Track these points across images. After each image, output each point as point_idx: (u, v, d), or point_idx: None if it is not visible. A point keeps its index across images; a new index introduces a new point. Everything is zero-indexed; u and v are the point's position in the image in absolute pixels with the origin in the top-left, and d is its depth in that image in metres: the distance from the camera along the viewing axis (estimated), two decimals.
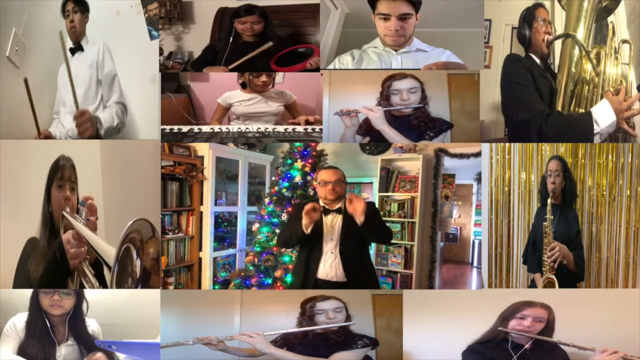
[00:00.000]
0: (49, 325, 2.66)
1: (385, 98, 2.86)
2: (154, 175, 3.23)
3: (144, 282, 2.04)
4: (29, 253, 2.41)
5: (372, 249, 4.79)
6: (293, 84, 3.65)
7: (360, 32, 3.19)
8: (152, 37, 3.30)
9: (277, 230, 3.94)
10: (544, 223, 2.82)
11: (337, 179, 2.85)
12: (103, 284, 2.21)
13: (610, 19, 3.02)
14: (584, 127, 2.84)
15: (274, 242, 3.93)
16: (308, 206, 2.73)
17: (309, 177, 4.02)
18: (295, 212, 3.09)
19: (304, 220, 2.74)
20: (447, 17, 3.23)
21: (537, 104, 2.90)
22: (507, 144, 3.20)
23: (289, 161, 4.13)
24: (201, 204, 4.47)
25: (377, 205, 4.68)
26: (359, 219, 2.66)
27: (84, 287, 2.25)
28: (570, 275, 2.88)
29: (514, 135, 3.06)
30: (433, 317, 3.00)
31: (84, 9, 3.21)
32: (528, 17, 3.04)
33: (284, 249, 3.85)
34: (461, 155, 4.45)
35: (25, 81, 2.91)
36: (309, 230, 2.75)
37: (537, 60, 3.04)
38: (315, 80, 3.59)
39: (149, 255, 2.05)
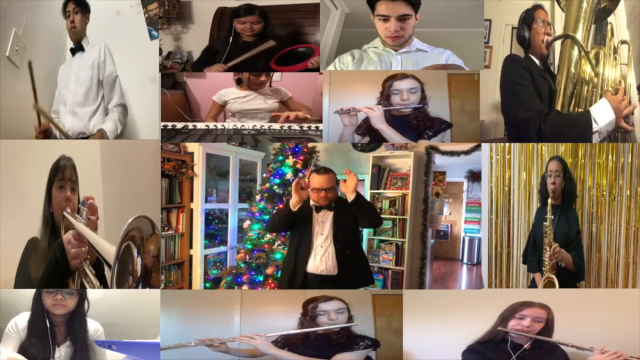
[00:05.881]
0: (50, 325, 2.65)
1: (385, 98, 2.86)
2: (154, 174, 3.23)
3: (145, 280, 2.02)
4: (29, 253, 2.41)
5: (364, 245, 4.81)
6: (290, 82, 3.65)
7: (360, 32, 3.19)
8: (152, 37, 3.30)
9: None
10: (545, 223, 2.84)
11: (329, 186, 2.90)
12: (104, 284, 2.20)
13: (609, 19, 3.03)
14: (583, 126, 2.85)
15: (265, 239, 3.94)
16: (296, 183, 2.87)
17: (300, 174, 4.00)
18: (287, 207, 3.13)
19: (293, 199, 2.88)
20: (447, 17, 3.24)
21: (536, 103, 2.91)
22: (507, 144, 3.20)
23: (280, 158, 4.11)
24: (191, 201, 4.45)
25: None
26: (350, 196, 2.81)
27: (85, 287, 2.24)
28: (570, 276, 2.89)
29: (514, 135, 3.06)
30: (433, 317, 3.01)
31: (84, 9, 3.23)
32: (527, 18, 3.04)
33: (274, 237, 3.92)
34: (452, 153, 4.44)
35: (30, 65, 2.92)
36: (296, 208, 2.89)
37: (537, 61, 3.05)
38: (312, 79, 3.59)
39: (150, 253, 2.02)
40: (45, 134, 3.06)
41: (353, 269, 2.93)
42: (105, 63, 3.25)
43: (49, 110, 3.31)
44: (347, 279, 2.89)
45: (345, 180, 2.85)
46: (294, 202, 2.89)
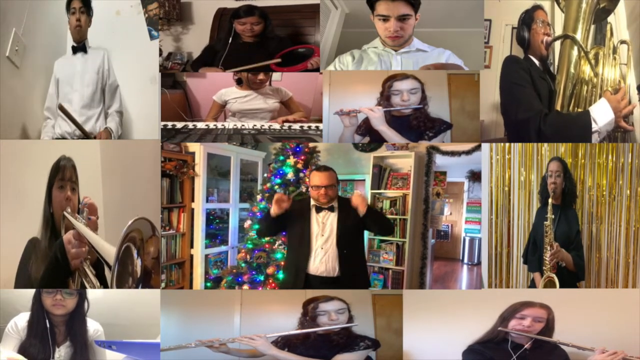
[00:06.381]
0: (49, 325, 2.65)
1: (385, 98, 2.85)
2: (154, 174, 3.23)
3: (145, 281, 2.04)
4: (30, 253, 2.41)
5: (365, 245, 4.79)
6: (290, 82, 3.65)
7: (360, 32, 3.20)
8: (152, 37, 3.30)
9: None
10: (545, 222, 2.84)
11: (329, 183, 2.89)
12: (104, 284, 2.21)
13: (609, 19, 3.03)
14: (582, 125, 2.85)
15: (266, 239, 3.93)
16: (277, 196, 2.87)
17: (301, 174, 4.00)
18: (267, 214, 3.12)
19: (272, 209, 2.87)
20: (447, 17, 3.24)
21: (535, 104, 2.91)
22: (507, 144, 3.20)
23: (282, 157, 4.10)
24: (192, 200, 4.46)
25: (369, 202, 4.73)
26: (361, 211, 2.79)
27: (85, 287, 2.24)
28: (570, 276, 2.89)
29: (513, 136, 3.06)
30: (433, 317, 3.01)
31: (89, 12, 3.25)
32: (527, 19, 3.05)
33: (267, 241, 3.94)
34: (452, 153, 4.43)
35: (61, 107, 3.07)
36: (273, 214, 2.88)
37: (536, 62, 3.05)
38: (312, 79, 3.60)
39: (150, 255, 2.04)
40: None
41: (353, 271, 2.91)
42: (110, 72, 3.31)
43: (41, 106, 3.33)
44: (348, 281, 2.88)
45: (356, 197, 2.86)
46: (273, 211, 2.88)
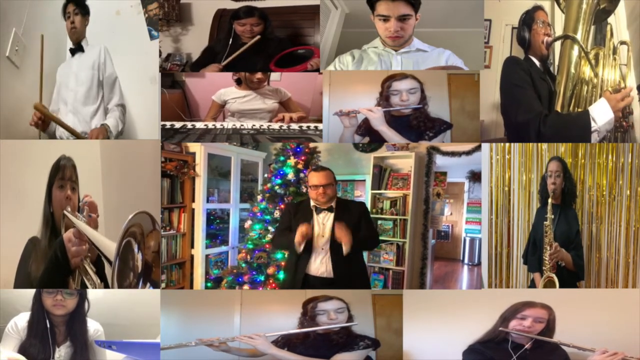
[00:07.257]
0: (50, 325, 2.65)
1: (385, 98, 2.85)
2: (154, 174, 3.22)
3: (146, 275, 2.05)
4: (29, 252, 2.41)
5: None
6: (290, 82, 3.65)
7: (360, 32, 3.20)
8: (152, 37, 3.30)
9: (270, 228, 3.93)
10: (545, 222, 2.84)
11: (327, 182, 2.89)
12: (105, 282, 2.21)
13: (609, 19, 3.04)
14: (582, 125, 2.85)
15: (267, 239, 3.93)
16: (301, 230, 2.80)
17: (301, 175, 3.99)
18: (288, 210, 3.11)
19: (297, 238, 2.80)
20: (447, 17, 3.24)
21: (535, 106, 2.91)
22: (507, 144, 3.20)
23: (282, 158, 4.09)
24: (193, 200, 4.45)
25: (369, 203, 4.73)
26: (345, 249, 2.75)
27: (86, 285, 2.24)
28: (570, 276, 2.89)
29: (513, 137, 3.07)
30: (433, 317, 3.00)
31: (84, 11, 3.23)
32: (527, 19, 3.05)
33: (268, 241, 3.90)
34: (453, 153, 4.43)
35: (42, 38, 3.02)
36: (301, 249, 2.82)
37: (537, 63, 3.05)
38: (311, 79, 3.60)
39: (150, 249, 2.05)
40: (43, 125, 3.10)
41: (350, 273, 2.90)
42: (106, 64, 3.27)
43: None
44: (346, 282, 2.87)
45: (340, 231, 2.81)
46: (298, 241, 2.81)
